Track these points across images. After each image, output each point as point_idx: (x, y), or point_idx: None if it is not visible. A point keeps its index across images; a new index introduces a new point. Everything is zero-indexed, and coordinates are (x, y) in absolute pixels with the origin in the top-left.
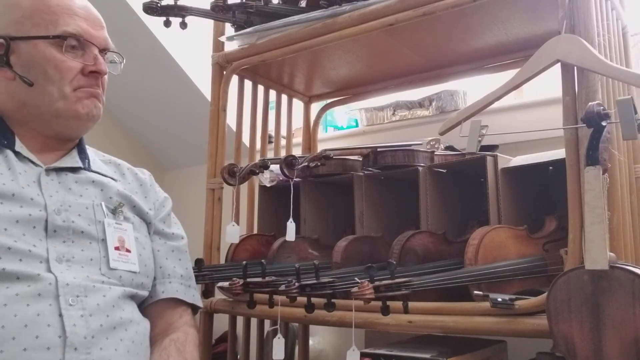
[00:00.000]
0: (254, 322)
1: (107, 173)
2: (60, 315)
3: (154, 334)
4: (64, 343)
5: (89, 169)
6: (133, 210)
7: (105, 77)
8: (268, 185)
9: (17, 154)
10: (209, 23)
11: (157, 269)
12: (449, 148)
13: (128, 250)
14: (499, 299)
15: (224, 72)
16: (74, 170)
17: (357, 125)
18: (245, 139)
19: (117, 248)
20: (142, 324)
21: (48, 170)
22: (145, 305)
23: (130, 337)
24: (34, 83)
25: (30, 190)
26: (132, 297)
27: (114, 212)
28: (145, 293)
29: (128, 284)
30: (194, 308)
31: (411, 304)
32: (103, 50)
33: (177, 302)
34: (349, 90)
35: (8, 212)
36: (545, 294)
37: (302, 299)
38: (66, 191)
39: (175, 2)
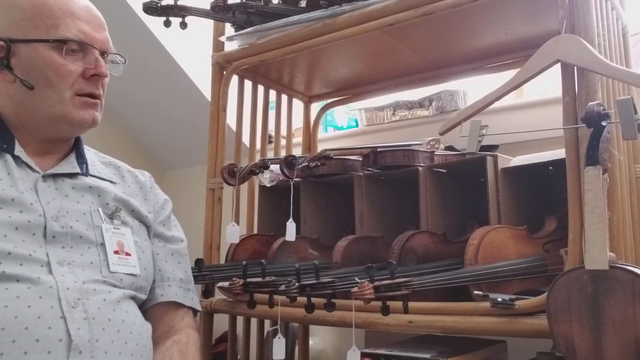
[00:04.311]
0: (254, 322)
1: (105, 176)
2: (63, 317)
3: (155, 336)
4: (67, 346)
5: (86, 174)
6: (132, 214)
7: (106, 79)
8: (268, 185)
9: (16, 159)
10: (209, 23)
11: (156, 272)
12: (449, 148)
13: (128, 254)
14: (499, 299)
15: (224, 72)
16: (71, 175)
17: (357, 125)
18: (245, 139)
19: (116, 252)
20: (144, 326)
21: (45, 177)
22: (144, 308)
23: (133, 340)
24: (34, 87)
25: (29, 196)
26: (133, 299)
27: (112, 217)
28: (143, 296)
29: (128, 286)
30: (194, 310)
31: (411, 304)
32: (103, 52)
33: (178, 304)
34: (349, 90)
35: (7, 218)
36: (545, 294)
37: (302, 299)
38: (63, 198)
39: (175, 2)
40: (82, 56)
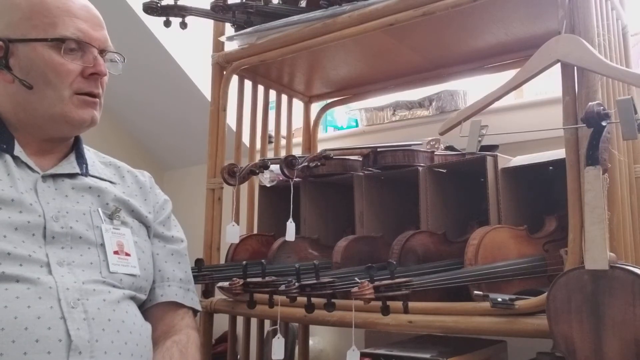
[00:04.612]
0: (254, 322)
1: (105, 176)
2: (62, 318)
3: (155, 336)
4: (67, 347)
5: (86, 174)
6: (131, 215)
7: (105, 78)
8: (268, 185)
9: (16, 159)
10: (209, 23)
11: (156, 273)
12: (449, 148)
13: (127, 254)
14: (499, 299)
15: (224, 72)
16: (71, 176)
17: (357, 125)
18: (245, 139)
19: (116, 252)
20: (144, 327)
21: (45, 177)
22: (144, 309)
23: (133, 340)
24: (34, 86)
25: (29, 197)
26: (132, 299)
27: (111, 217)
28: (143, 296)
29: (128, 286)
30: (194, 310)
31: (411, 304)
32: (102, 51)
33: (178, 304)
34: (349, 90)
35: (7, 218)
36: (545, 294)
37: (302, 299)
38: (63, 198)
39: (175, 2)
40: (80, 55)
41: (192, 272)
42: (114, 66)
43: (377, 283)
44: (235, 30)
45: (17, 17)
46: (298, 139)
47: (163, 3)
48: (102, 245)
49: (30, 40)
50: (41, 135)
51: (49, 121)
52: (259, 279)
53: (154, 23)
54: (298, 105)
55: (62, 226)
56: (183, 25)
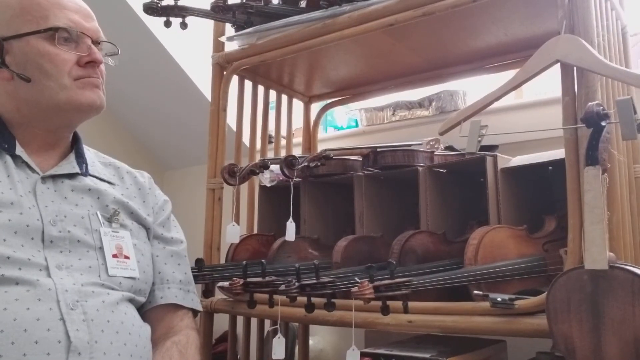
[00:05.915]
0: (254, 322)
1: (105, 177)
2: (62, 319)
3: (155, 337)
4: (66, 348)
5: (86, 174)
6: (131, 217)
7: (102, 66)
8: (268, 185)
9: (16, 159)
10: (209, 23)
11: (155, 274)
12: (449, 148)
13: (126, 257)
14: (499, 299)
15: (224, 73)
16: (70, 176)
17: (357, 125)
18: (245, 139)
19: (115, 255)
20: (143, 328)
21: (44, 178)
22: (144, 310)
23: (132, 341)
24: (32, 79)
25: (27, 200)
26: (131, 301)
27: (110, 220)
28: (142, 299)
29: (127, 289)
30: (194, 311)
31: (411, 304)
32: (95, 42)
33: (178, 305)
34: (349, 90)
35: (7, 221)
36: (545, 293)
37: (302, 299)
38: (62, 200)
39: (176, 3)
40: (74, 46)
41: (192, 272)
42: (108, 60)
43: (377, 283)
44: (236, 31)
45: (8, 15)
46: (298, 139)
47: (163, 3)
48: (101, 248)
49: (24, 34)
50: (47, 127)
51: (55, 110)
52: (259, 279)
53: (154, 23)
54: (298, 105)
55: (60, 230)
56: (183, 25)
